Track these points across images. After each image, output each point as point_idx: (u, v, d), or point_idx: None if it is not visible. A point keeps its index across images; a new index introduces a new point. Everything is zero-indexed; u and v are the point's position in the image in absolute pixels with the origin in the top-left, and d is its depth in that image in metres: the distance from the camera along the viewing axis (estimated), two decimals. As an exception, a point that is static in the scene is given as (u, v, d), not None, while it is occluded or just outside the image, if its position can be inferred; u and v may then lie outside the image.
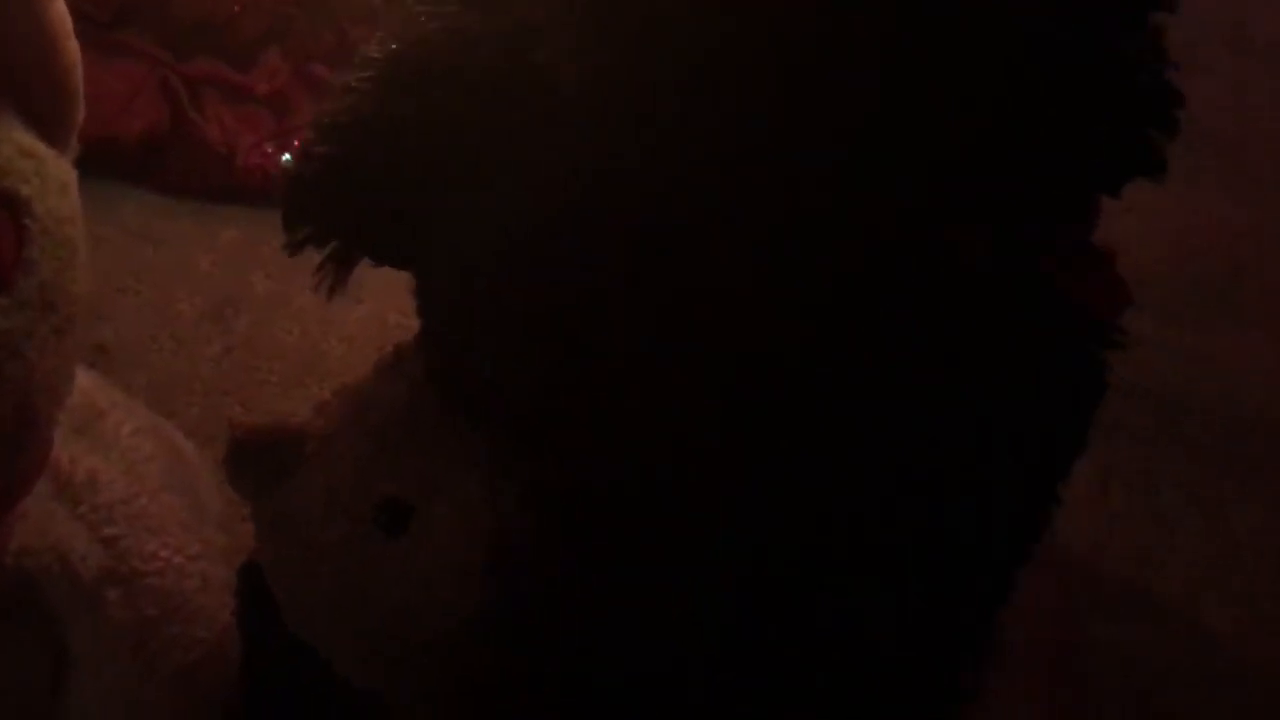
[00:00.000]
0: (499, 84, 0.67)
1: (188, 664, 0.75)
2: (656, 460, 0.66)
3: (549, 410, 0.68)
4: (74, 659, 0.74)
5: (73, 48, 0.69)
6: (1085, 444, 0.69)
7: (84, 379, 0.79)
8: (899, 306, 0.63)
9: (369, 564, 0.73)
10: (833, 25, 0.60)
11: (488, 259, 0.68)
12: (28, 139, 0.67)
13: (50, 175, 0.68)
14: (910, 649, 0.69)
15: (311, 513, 0.74)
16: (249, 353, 1.28)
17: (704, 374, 0.64)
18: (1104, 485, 1.20)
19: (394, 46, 0.71)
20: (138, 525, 0.75)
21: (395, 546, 0.73)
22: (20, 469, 0.71)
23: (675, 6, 0.61)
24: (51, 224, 0.67)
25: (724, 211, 0.63)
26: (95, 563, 0.73)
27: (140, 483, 0.77)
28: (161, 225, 1.42)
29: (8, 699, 0.75)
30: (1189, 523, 1.18)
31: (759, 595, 0.67)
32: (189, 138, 1.47)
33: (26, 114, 0.68)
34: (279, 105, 1.52)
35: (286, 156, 1.46)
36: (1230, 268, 1.54)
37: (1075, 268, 0.67)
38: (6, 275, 0.65)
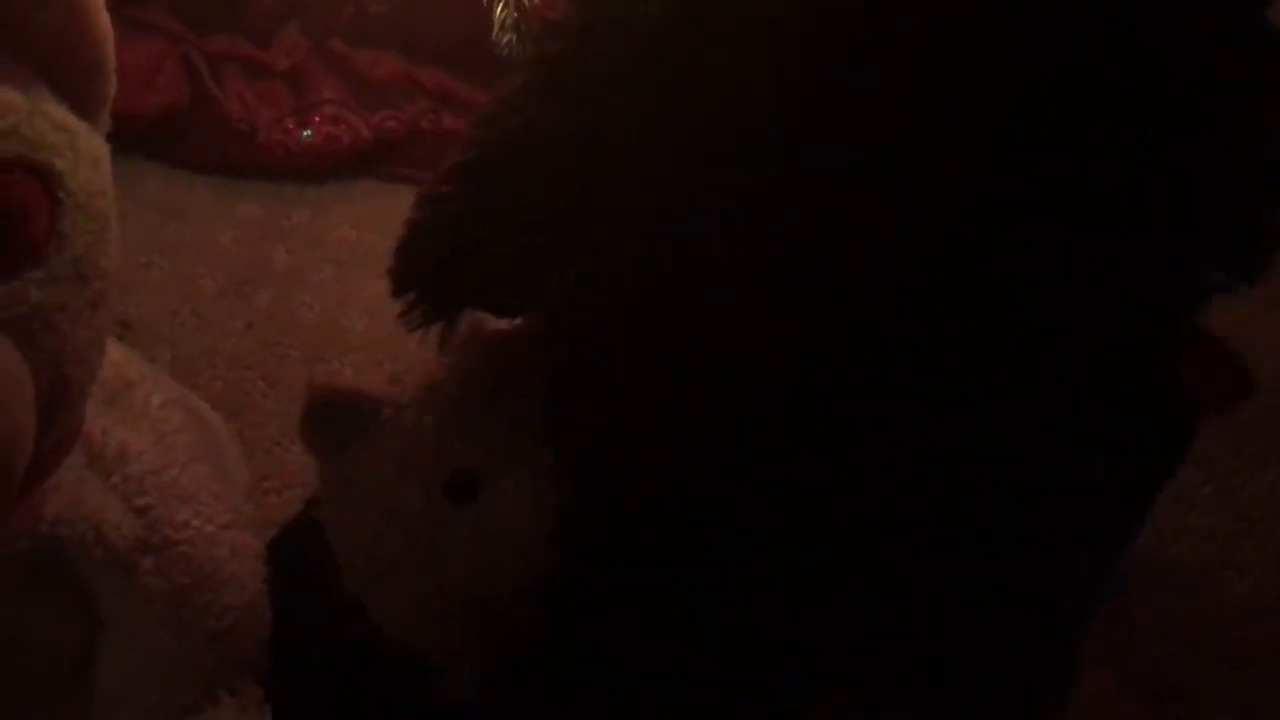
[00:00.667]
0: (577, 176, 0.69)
1: (219, 631, 0.76)
2: (702, 462, 0.67)
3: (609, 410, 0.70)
4: (107, 626, 0.75)
5: (105, 21, 0.70)
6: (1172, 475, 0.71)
7: (114, 352, 0.79)
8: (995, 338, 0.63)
9: (436, 529, 0.75)
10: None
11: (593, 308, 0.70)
12: (61, 113, 0.68)
13: (83, 149, 0.68)
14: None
15: (384, 476, 0.76)
16: (270, 328, 1.29)
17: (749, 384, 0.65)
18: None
19: (487, 129, 0.73)
20: (169, 495, 0.76)
21: (462, 514, 0.75)
22: (54, 440, 0.71)
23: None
24: (84, 198, 0.68)
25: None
26: (128, 532, 0.74)
27: (170, 453, 0.78)
28: (182, 201, 1.43)
29: (41, 664, 0.76)
30: (1205, 495, 1.18)
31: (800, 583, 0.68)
32: (210, 113, 1.47)
33: (59, 88, 0.69)
34: (298, 80, 1.52)
35: (307, 132, 1.47)
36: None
37: (1192, 354, 0.67)
38: (40, 248, 0.66)
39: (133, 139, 1.40)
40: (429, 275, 0.75)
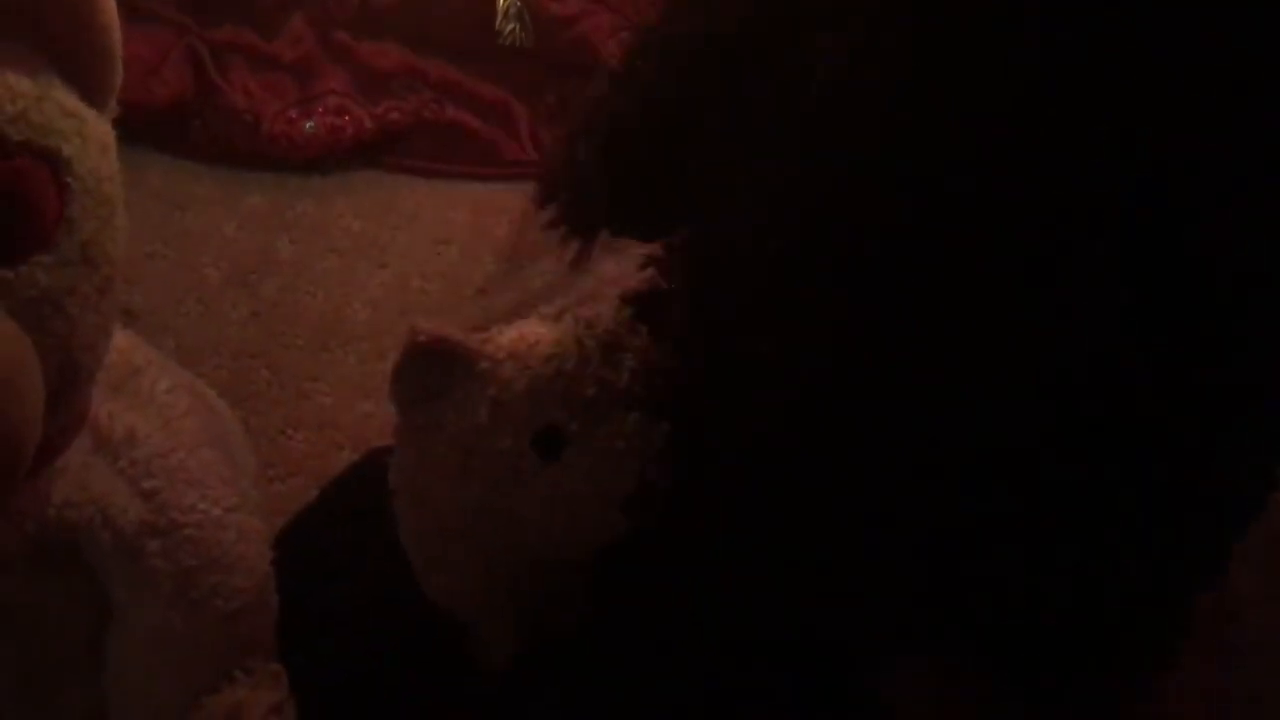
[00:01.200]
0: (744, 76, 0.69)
1: (229, 613, 0.76)
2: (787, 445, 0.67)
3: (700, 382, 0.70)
4: (116, 610, 0.76)
5: (111, 8, 0.70)
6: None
7: (120, 338, 0.80)
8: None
9: (518, 481, 0.77)
10: None
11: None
12: (69, 99, 0.68)
13: (91, 135, 0.69)
14: None
15: (474, 423, 0.78)
16: (274, 317, 1.30)
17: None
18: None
19: (646, 40, 0.75)
20: (176, 479, 0.76)
21: (548, 469, 0.77)
22: (61, 424, 0.72)
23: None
24: (92, 183, 0.68)
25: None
26: (135, 515, 0.74)
27: (177, 438, 0.78)
28: (187, 191, 1.43)
29: (52, 649, 0.76)
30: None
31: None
32: (215, 104, 1.47)
33: (67, 74, 0.69)
34: (303, 72, 1.52)
35: (310, 123, 1.47)
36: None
37: None
38: (49, 233, 0.66)
39: (138, 130, 1.40)
40: (573, 181, 0.76)
